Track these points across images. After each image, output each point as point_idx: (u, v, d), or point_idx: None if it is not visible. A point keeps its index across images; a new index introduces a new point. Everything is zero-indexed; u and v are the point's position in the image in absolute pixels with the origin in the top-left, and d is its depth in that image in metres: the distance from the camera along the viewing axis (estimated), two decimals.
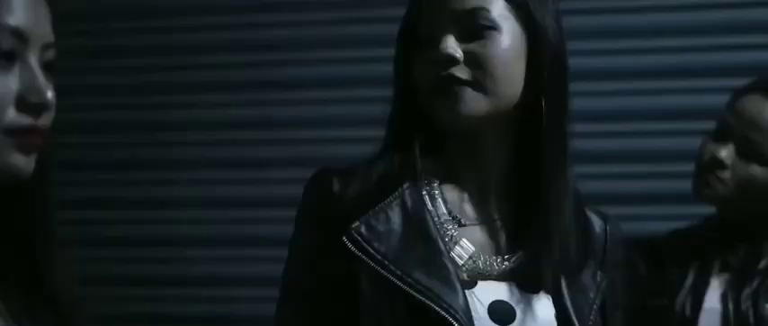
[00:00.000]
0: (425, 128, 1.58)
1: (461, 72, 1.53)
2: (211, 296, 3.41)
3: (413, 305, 1.50)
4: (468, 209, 1.60)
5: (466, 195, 1.61)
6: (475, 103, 1.54)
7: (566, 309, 1.58)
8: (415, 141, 1.59)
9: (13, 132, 1.19)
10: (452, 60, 1.53)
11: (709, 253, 2.29)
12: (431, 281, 1.51)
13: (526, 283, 1.58)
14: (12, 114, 1.19)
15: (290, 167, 3.29)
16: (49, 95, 1.20)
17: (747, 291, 2.21)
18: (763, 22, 3.09)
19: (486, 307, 1.54)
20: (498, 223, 1.61)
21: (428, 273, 1.52)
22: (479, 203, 1.61)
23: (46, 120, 1.22)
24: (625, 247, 1.72)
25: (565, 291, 1.58)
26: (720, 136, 2.24)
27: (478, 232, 1.60)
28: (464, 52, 1.54)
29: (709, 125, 2.29)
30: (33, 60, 1.21)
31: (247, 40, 3.41)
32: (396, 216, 1.55)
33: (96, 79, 3.48)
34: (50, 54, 1.24)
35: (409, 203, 1.56)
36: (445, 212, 1.59)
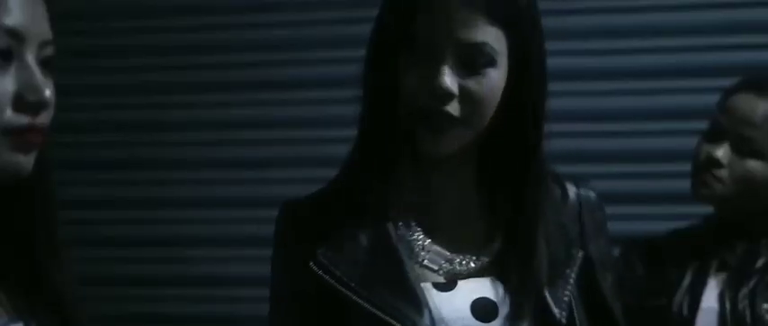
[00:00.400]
0: (398, 133, 1.57)
1: (454, 109, 1.52)
2: (211, 296, 3.41)
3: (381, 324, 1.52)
4: (440, 212, 1.61)
5: (436, 199, 1.61)
6: (459, 139, 1.54)
7: (540, 287, 1.58)
8: (387, 156, 1.58)
9: (11, 132, 1.18)
10: (449, 96, 1.51)
11: (707, 253, 2.29)
12: (397, 301, 1.52)
13: (505, 275, 1.58)
14: (9, 114, 1.18)
15: (290, 167, 3.29)
16: (47, 93, 1.20)
17: (744, 290, 2.22)
18: (759, 22, 3.09)
19: (469, 305, 1.55)
20: (471, 220, 1.62)
21: (394, 293, 1.53)
22: (450, 203, 1.61)
23: (45, 118, 1.21)
24: (601, 208, 1.71)
25: (542, 272, 1.58)
26: (714, 136, 2.25)
27: (452, 233, 1.60)
28: (459, 86, 1.51)
29: (699, 125, 2.30)
30: (30, 58, 1.20)
31: (247, 39, 3.41)
32: (362, 239, 1.56)
33: (95, 79, 3.48)
34: (48, 51, 1.23)
35: (375, 225, 1.57)
36: (414, 223, 1.60)
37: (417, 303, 1.52)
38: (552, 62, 3.37)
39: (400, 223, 1.59)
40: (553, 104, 3.25)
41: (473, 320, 1.55)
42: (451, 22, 1.50)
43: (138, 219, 3.48)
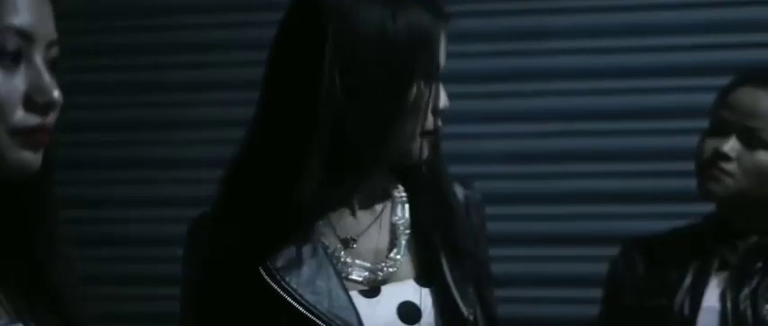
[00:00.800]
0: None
1: None
2: None
3: None
4: (357, 222, 1.71)
5: (353, 208, 1.71)
6: None
7: (448, 287, 1.70)
8: (368, 173, 1.68)
9: (21, 132, 1.19)
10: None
11: (708, 252, 2.29)
12: (332, 311, 1.62)
13: (421, 275, 1.72)
14: (20, 114, 1.19)
15: None
16: (56, 93, 1.21)
17: (746, 291, 2.21)
18: (749, 21, 3.08)
19: (396, 309, 1.67)
20: (383, 224, 1.72)
21: (330, 303, 1.62)
22: (367, 211, 1.72)
23: (52, 118, 1.22)
24: (484, 208, 1.84)
25: (447, 272, 1.71)
26: (718, 132, 2.26)
27: (370, 242, 1.71)
28: None
29: (698, 123, 2.31)
30: (39, 59, 1.21)
31: (249, 38, 3.40)
32: (301, 252, 1.63)
33: (95, 78, 3.48)
34: (54, 52, 1.24)
35: (311, 238, 1.65)
36: (335, 239, 1.69)
37: (352, 311, 1.62)
38: (548, 62, 3.38)
39: (324, 241, 1.67)
40: (548, 103, 3.26)
41: (401, 323, 1.66)
42: (442, 51, 1.67)
43: (138, 218, 3.47)
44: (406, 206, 1.75)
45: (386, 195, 1.74)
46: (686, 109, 3.01)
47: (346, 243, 1.69)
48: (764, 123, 2.22)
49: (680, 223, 2.39)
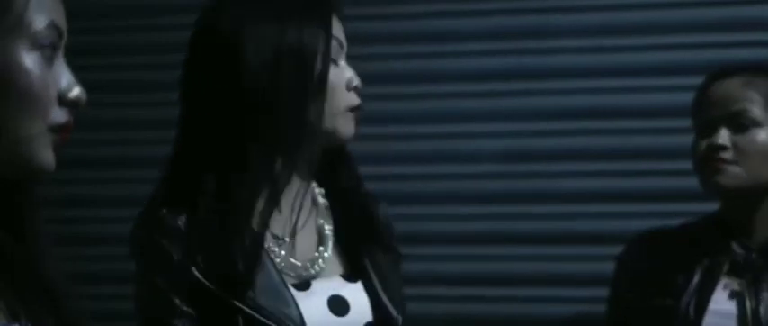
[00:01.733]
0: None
1: None
2: None
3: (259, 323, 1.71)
4: (286, 224, 1.78)
5: (284, 207, 1.77)
6: None
7: (375, 290, 1.82)
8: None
9: (56, 129, 1.20)
10: None
11: (716, 251, 2.28)
12: (270, 303, 1.70)
13: (348, 273, 1.83)
14: (56, 111, 1.20)
15: None
16: (82, 91, 1.21)
17: (766, 302, 2.20)
18: (748, 19, 3.08)
19: (326, 302, 1.77)
20: (312, 226, 1.84)
21: (268, 297, 1.71)
22: (294, 214, 1.78)
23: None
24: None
25: (372, 274, 1.83)
26: (707, 132, 2.26)
27: (300, 242, 1.78)
28: None
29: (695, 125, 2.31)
30: (61, 58, 1.22)
31: None
32: (244, 247, 1.71)
33: (93, 77, 3.47)
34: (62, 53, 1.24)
35: (252, 234, 1.72)
36: (270, 235, 1.76)
37: (294, 307, 1.72)
38: (544, 60, 3.37)
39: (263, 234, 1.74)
40: (545, 101, 3.26)
41: (331, 315, 1.77)
42: (339, 28, 1.92)
43: (134, 217, 3.47)
44: (329, 211, 1.86)
45: (312, 201, 1.84)
46: (685, 108, 3.01)
47: (278, 242, 1.77)
48: (747, 103, 2.24)
49: (673, 221, 2.39)
